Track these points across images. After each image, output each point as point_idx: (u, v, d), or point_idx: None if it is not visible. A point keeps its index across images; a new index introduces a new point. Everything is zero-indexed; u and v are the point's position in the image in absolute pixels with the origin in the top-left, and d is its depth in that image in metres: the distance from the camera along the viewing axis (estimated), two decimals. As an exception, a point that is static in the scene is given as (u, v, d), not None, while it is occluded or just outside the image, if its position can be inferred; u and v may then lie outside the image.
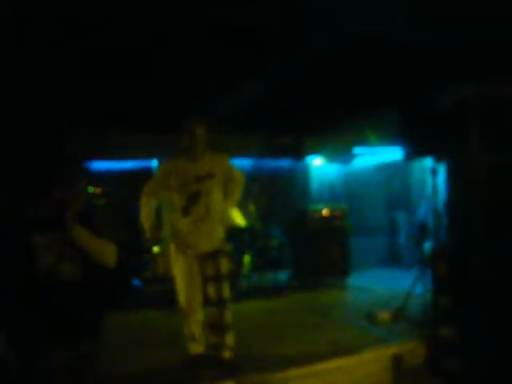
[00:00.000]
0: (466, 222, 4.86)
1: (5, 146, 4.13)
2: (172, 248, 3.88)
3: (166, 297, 5.76)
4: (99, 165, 6.77)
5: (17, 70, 4.05)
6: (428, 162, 5.28)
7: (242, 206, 6.77)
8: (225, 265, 3.83)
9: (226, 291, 3.76)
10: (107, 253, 2.43)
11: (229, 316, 3.75)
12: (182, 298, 3.78)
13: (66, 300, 2.26)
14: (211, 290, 3.74)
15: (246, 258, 6.73)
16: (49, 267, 2.20)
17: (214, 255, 3.77)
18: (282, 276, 6.96)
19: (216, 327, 3.73)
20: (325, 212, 6.93)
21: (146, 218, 3.87)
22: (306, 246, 6.85)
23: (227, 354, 3.74)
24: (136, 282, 6.14)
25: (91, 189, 6.16)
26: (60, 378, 2.21)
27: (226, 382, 3.54)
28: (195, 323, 3.75)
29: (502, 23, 3.64)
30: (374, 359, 4.08)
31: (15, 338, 2.19)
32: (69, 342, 2.25)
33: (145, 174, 7.21)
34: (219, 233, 3.86)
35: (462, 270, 4.11)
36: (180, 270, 3.79)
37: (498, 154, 4.74)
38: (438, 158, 4.88)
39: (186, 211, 3.73)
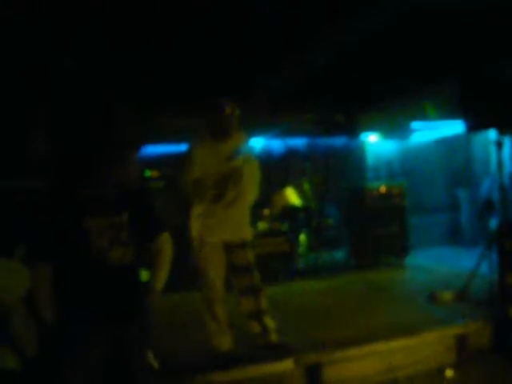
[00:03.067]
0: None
1: (62, 130, 4.25)
2: (200, 237, 3.63)
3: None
4: (155, 148, 6.91)
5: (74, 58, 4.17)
6: (492, 134, 5.02)
7: (297, 185, 6.74)
8: (251, 254, 3.73)
9: (258, 278, 3.70)
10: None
11: (265, 301, 3.71)
12: (212, 287, 3.61)
13: (115, 283, 2.27)
14: (244, 280, 3.66)
15: (302, 238, 6.71)
16: (101, 251, 2.21)
17: (243, 246, 3.67)
18: (339, 255, 6.90)
19: (255, 315, 3.68)
20: (382, 189, 6.76)
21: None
22: (363, 225, 6.73)
23: (274, 337, 3.70)
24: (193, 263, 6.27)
25: (148, 172, 6.31)
26: (107, 361, 2.23)
27: (285, 361, 3.55)
28: (223, 313, 3.67)
29: None
30: (436, 340, 3.97)
31: (66, 319, 2.22)
32: (117, 324, 2.26)
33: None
34: (247, 221, 3.74)
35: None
36: (210, 260, 3.61)
37: None
38: (503, 130, 4.61)
39: (216, 197, 3.56)
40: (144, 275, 2.55)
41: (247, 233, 3.75)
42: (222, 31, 4.20)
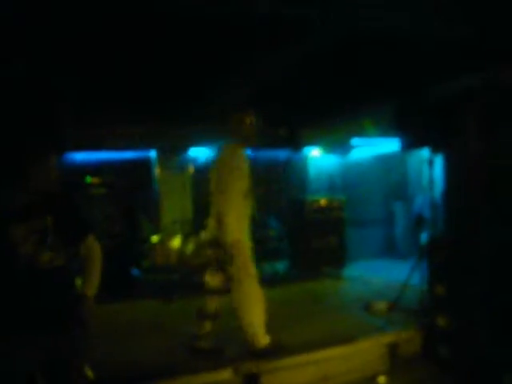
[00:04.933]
0: (461, 213, 4.91)
1: None
2: (240, 239, 3.84)
3: (163, 286, 5.83)
4: (98, 155, 6.78)
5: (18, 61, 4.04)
6: (425, 153, 5.31)
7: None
8: None
9: None
10: None
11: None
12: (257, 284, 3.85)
13: (46, 287, 2.24)
14: None
15: (244, 248, 6.75)
16: (28, 256, 2.18)
17: None
18: (280, 266, 7.00)
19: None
20: (322, 203, 6.96)
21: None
22: (304, 237, 6.88)
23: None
24: (135, 271, 6.18)
25: (89, 179, 6.18)
26: (44, 367, 2.19)
27: (224, 370, 3.57)
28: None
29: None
30: (370, 348, 4.13)
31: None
32: (52, 330, 2.22)
33: (143, 165, 7.26)
34: None
35: (457, 260, 4.15)
36: (250, 259, 3.91)
37: (493, 145, 4.78)
38: (435, 148, 4.90)
39: (247, 200, 3.92)
40: (78, 282, 2.51)
41: None
42: (170, 43, 4.21)
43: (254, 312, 3.78)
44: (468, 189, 4.89)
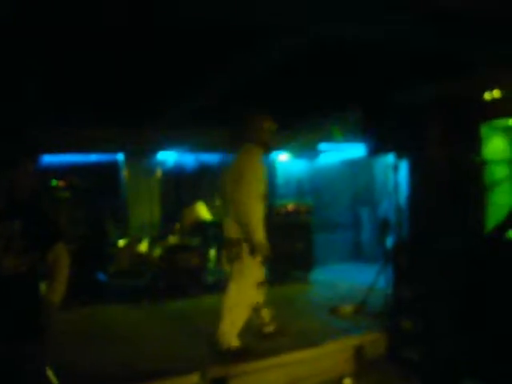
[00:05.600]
0: (425, 216, 5.05)
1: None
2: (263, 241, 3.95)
3: (130, 291, 5.75)
4: (64, 157, 6.65)
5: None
6: (390, 158, 5.44)
7: (209, 201, 6.79)
8: None
9: None
10: None
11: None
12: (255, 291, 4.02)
13: (9, 294, 2.19)
14: None
15: (212, 253, 6.74)
16: None
17: None
18: (248, 270, 7.00)
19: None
20: (290, 207, 7.01)
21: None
22: (271, 241, 6.89)
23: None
24: (100, 276, 6.07)
25: (54, 181, 6.05)
26: (5, 376, 2.14)
27: (190, 375, 3.55)
28: None
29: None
30: (337, 351, 4.18)
31: None
32: (11, 339, 2.17)
33: (111, 168, 7.15)
34: None
35: (421, 263, 4.25)
36: None
37: (455, 151, 4.95)
38: (399, 154, 5.02)
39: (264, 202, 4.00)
40: (43, 288, 2.45)
41: None
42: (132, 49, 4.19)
43: (241, 314, 3.92)
44: (430, 193, 5.05)
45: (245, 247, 3.90)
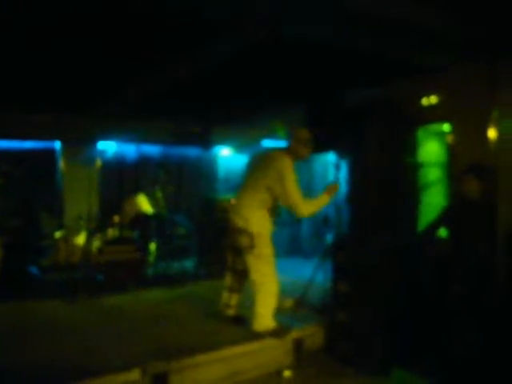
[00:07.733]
0: (362, 214, 5.24)
1: None
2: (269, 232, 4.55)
3: (65, 285, 5.54)
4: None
5: None
6: (331, 157, 5.58)
7: (150, 193, 6.68)
8: None
9: None
10: None
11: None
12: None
13: None
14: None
15: (152, 246, 6.64)
16: None
17: None
18: (188, 264, 6.97)
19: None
20: (232, 202, 7.02)
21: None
22: (213, 235, 6.90)
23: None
24: (33, 269, 5.81)
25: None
26: None
27: (131, 371, 3.49)
28: None
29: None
30: (276, 344, 4.26)
31: None
32: None
33: (46, 156, 6.84)
34: None
35: (358, 259, 4.41)
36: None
37: (392, 153, 5.17)
38: (341, 153, 5.18)
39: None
40: None
41: None
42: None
43: (271, 293, 4.46)
44: (368, 192, 5.24)
45: (257, 234, 4.35)
